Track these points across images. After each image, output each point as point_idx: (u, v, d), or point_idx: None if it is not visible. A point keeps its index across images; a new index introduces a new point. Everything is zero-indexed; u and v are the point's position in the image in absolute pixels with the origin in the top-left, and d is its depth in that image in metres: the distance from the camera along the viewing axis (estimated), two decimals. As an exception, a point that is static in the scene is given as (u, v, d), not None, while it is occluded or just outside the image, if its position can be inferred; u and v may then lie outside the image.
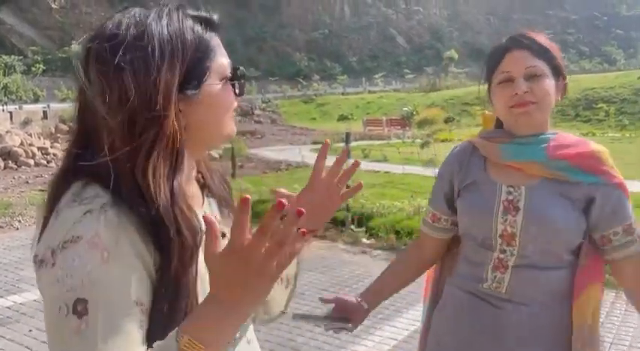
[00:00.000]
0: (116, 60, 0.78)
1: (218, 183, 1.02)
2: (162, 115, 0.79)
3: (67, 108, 24.38)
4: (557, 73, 1.41)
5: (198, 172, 0.98)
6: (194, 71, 0.85)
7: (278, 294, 1.12)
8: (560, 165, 1.35)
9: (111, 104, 0.79)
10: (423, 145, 8.19)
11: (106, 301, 0.73)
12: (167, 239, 0.78)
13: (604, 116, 29.55)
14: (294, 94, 46.13)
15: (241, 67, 0.96)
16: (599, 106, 30.59)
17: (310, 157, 15.07)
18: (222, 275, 0.71)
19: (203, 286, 0.84)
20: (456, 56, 64.57)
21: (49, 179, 0.90)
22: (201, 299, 0.80)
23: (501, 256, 1.38)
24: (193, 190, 0.95)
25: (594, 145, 1.40)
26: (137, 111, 0.79)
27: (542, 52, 1.38)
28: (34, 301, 4.34)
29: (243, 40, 72.84)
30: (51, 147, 14.41)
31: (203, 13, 0.91)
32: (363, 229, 6.70)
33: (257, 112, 34.09)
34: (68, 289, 0.73)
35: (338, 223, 7.10)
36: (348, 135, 7.21)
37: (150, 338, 0.77)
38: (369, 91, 47.25)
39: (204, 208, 0.96)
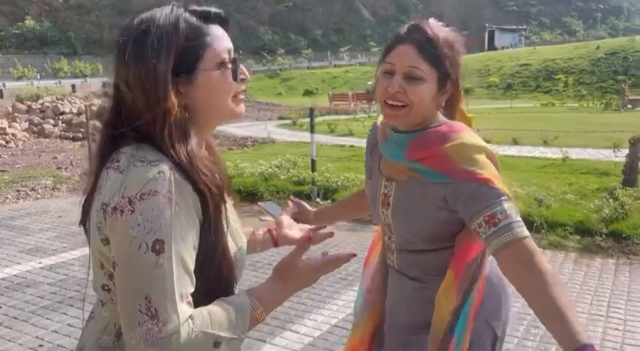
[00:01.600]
0: (129, 50, 0.97)
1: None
2: (162, 94, 0.96)
3: (23, 87, 23.65)
4: (444, 79, 1.33)
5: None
6: (185, 57, 0.99)
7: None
8: (415, 166, 1.36)
9: (130, 87, 0.97)
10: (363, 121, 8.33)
11: (177, 244, 0.91)
12: (201, 189, 0.97)
13: (563, 87, 30.29)
14: (258, 69, 45.63)
15: (239, 53, 1.08)
16: (559, 76, 31.30)
17: (276, 133, 15.13)
18: (293, 277, 1.11)
19: (232, 238, 1.08)
20: (421, 29, 64.60)
21: (10, 159, 1.06)
22: (232, 249, 1.05)
23: (387, 241, 1.53)
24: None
25: (450, 142, 1.32)
26: (146, 91, 0.96)
27: (433, 55, 1.30)
28: (2, 279, 4.39)
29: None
30: (9, 127, 14.04)
31: (202, 8, 1.04)
32: (329, 202, 6.86)
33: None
34: (148, 232, 0.89)
35: (304, 197, 7.26)
36: (312, 110, 7.31)
37: None
38: (335, 65, 47.12)
39: None
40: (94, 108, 15.41)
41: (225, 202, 1.02)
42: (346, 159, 9.46)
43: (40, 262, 4.81)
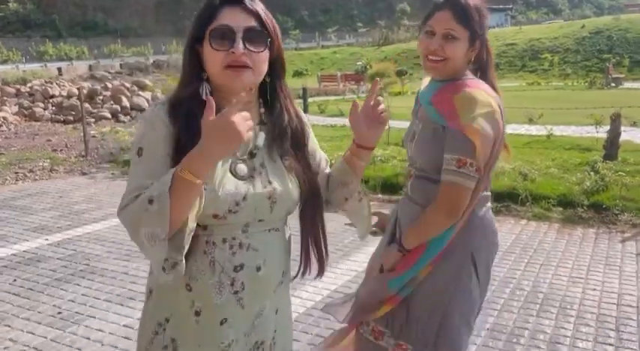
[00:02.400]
0: None
1: (278, 127, 1.36)
2: (185, 52, 1.34)
3: (9, 70, 23.38)
4: (474, 38, 1.68)
5: (266, 114, 1.39)
6: (199, 30, 1.28)
7: (356, 216, 1.59)
8: (430, 111, 1.72)
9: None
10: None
11: (150, 149, 1.25)
12: (183, 120, 1.26)
13: (548, 66, 30.54)
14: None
15: (224, 24, 1.25)
16: (544, 56, 31.51)
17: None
18: (208, 132, 1.09)
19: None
20: (409, 9, 64.36)
21: (5, 142, 1.35)
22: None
23: (409, 168, 1.88)
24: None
25: (461, 93, 1.66)
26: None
27: (465, 19, 1.64)
28: (13, 255, 4.57)
29: (192, -5, 70.35)
30: (0, 111, 14.02)
31: None
32: (323, 179, 7.08)
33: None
34: (137, 143, 1.27)
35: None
36: (304, 90, 7.48)
37: None
38: (323, 46, 46.94)
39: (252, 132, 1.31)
40: (84, 91, 15.43)
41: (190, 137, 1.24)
42: (338, 138, 9.65)
43: (47, 239, 4.99)
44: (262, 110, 1.37)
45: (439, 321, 1.74)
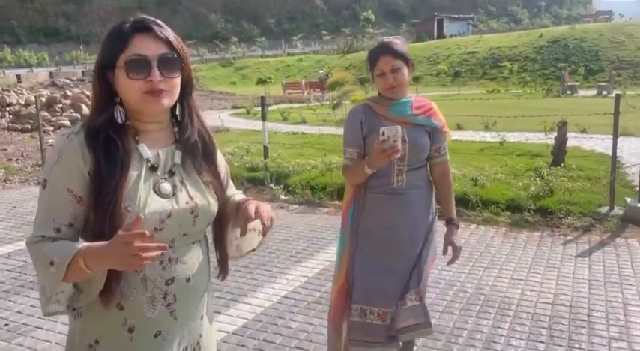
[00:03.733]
0: None
1: (191, 143, 1.41)
2: (93, 80, 1.36)
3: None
4: (408, 63, 2.34)
5: (179, 131, 1.41)
6: (109, 57, 1.30)
7: (250, 238, 1.54)
8: (418, 118, 2.39)
9: None
10: (334, 107, 8.68)
11: (55, 183, 1.28)
12: (101, 149, 1.28)
13: (508, 74, 31.35)
14: (212, 58, 45.16)
15: (139, 53, 1.28)
16: (504, 64, 32.36)
17: (230, 122, 15.27)
18: (114, 246, 1.13)
19: (126, 193, 1.27)
20: (373, 18, 65.20)
21: None
22: (123, 205, 1.26)
23: (398, 168, 2.36)
24: (159, 136, 1.39)
25: (431, 103, 2.46)
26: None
27: (400, 55, 2.31)
28: (-37, 268, 4.50)
29: (158, 1, 69.63)
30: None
31: (136, 19, 1.32)
32: (281, 186, 7.18)
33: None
34: (43, 172, 1.32)
35: (258, 182, 7.55)
36: (263, 99, 7.56)
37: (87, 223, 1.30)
38: (288, 54, 47.13)
39: (161, 150, 1.38)
40: (43, 99, 15.13)
41: (126, 163, 1.30)
42: (298, 146, 9.76)
43: (-2, 251, 4.94)
44: (176, 129, 1.42)
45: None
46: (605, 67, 28.31)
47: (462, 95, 21.85)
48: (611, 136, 9.72)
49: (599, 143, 9.71)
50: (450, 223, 2.50)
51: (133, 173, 1.30)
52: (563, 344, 3.19)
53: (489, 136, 10.78)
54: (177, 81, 1.34)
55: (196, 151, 1.42)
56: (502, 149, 9.24)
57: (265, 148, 7.52)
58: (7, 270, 4.45)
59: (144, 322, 1.33)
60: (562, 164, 7.17)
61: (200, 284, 1.43)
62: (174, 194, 1.34)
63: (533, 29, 45.74)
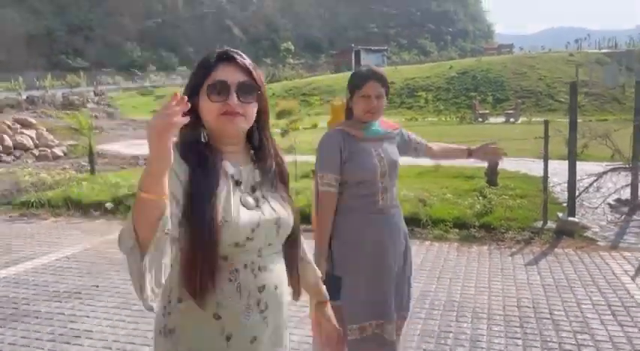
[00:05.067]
0: None
1: (269, 166, 1.53)
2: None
3: None
4: (388, 92, 2.50)
5: (256, 155, 1.53)
6: (195, 84, 1.44)
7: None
8: (387, 132, 2.60)
9: None
10: (283, 134, 8.97)
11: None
12: (194, 162, 1.38)
13: (424, 103, 33.12)
14: (129, 86, 44.10)
15: (220, 79, 1.41)
16: (419, 94, 34.16)
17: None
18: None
19: (219, 206, 1.37)
20: (293, 48, 66.61)
21: None
22: (220, 216, 1.35)
23: (382, 185, 2.47)
24: (238, 157, 1.49)
25: (394, 123, 2.73)
26: None
27: (385, 84, 2.47)
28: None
29: (68, 28, 67.12)
30: None
31: (221, 50, 1.47)
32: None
33: (91, 106, 31.50)
34: None
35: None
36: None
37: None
38: (210, 83, 46.90)
39: (243, 168, 1.48)
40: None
41: (215, 171, 1.40)
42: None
43: (-40, 286, 4.71)
44: (252, 152, 1.53)
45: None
46: (511, 96, 30.71)
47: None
48: (532, 159, 10.74)
49: (521, 165, 10.67)
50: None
51: (222, 186, 1.39)
52: (537, 339, 3.62)
53: (422, 162, 11.46)
54: (253, 106, 1.45)
55: (273, 174, 1.53)
56: (438, 172, 9.91)
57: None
58: (-20, 305, 4.29)
59: (241, 330, 1.40)
60: (497, 184, 7.86)
61: (284, 293, 1.52)
62: (257, 206, 1.45)
63: (443, 61, 48.69)
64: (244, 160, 1.51)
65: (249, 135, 1.52)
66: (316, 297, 1.78)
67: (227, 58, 1.44)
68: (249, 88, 1.43)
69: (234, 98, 1.40)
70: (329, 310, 1.78)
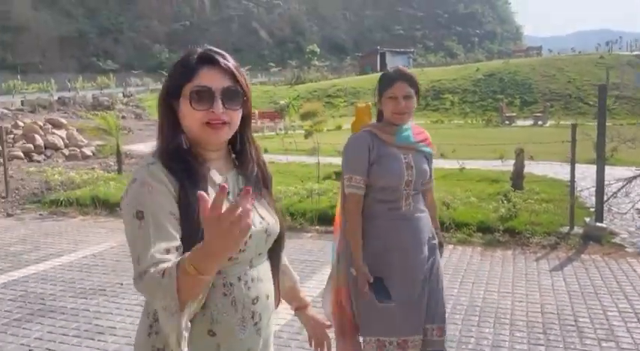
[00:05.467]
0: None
1: (251, 170, 1.45)
2: (161, 111, 1.38)
3: None
4: (417, 94, 2.42)
5: (239, 161, 1.46)
6: (175, 87, 1.34)
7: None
8: (420, 145, 2.50)
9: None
10: (306, 135, 8.99)
11: (152, 212, 1.23)
12: (182, 174, 1.29)
13: (450, 105, 32.80)
14: (157, 88, 44.67)
15: (203, 85, 1.31)
16: (445, 96, 33.85)
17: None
18: (208, 232, 1.04)
19: None
20: (318, 51, 66.78)
21: None
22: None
23: (405, 192, 2.43)
24: (220, 163, 1.42)
25: (426, 132, 2.58)
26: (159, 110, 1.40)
27: (414, 84, 2.39)
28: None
29: (99, 31, 68.55)
30: None
31: (202, 51, 1.35)
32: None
33: (119, 107, 32.13)
34: (134, 206, 1.25)
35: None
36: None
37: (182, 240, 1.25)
38: (236, 85, 47.26)
39: (228, 175, 1.41)
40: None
41: (201, 182, 1.30)
42: (267, 175, 9.95)
43: (-9, 282, 4.86)
44: (233, 156, 1.47)
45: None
46: (539, 98, 30.24)
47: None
48: (559, 163, 10.55)
49: (548, 169, 10.51)
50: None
51: (211, 196, 1.26)
52: (561, 346, 3.56)
53: (447, 164, 11.38)
54: (239, 113, 1.37)
55: (256, 180, 1.47)
56: (462, 175, 9.82)
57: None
58: (10, 300, 4.41)
59: (236, 344, 1.35)
60: (523, 188, 7.75)
61: (274, 301, 1.50)
62: None
63: (469, 63, 48.17)
64: (227, 166, 1.44)
65: (231, 138, 1.45)
66: (295, 302, 1.74)
67: (210, 61, 1.33)
68: (235, 94, 1.34)
69: (219, 106, 1.31)
70: (311, 312, 1.75)
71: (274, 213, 1.48)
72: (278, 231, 1.48)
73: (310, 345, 1.75)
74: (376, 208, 2.40)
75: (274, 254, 1.52)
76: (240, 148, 1.46)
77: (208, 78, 1.31)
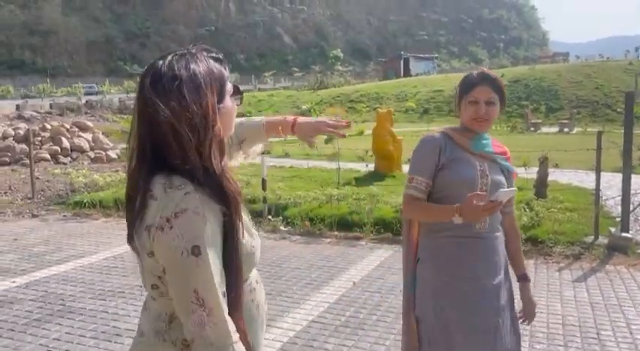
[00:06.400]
0: (181, 94, 1.17)
1: None
2: (214, 123, 1.20)
3: None
4: (502, 100, 2.16)
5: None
6: (220, 93, 1.26)
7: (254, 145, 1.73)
8: (498, 157, 2.18)
9: (180, 121, 1.16)
10: (327, 141, 9.00)
11: (210, 247, 1.13)
12: (226, 198, 1.19)
13: (474, 112, 32.57)
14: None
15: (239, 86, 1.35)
16: (470, 102, 33.61)
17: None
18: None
19: (249, 233, 1.29)
20: (342, 56, 66.85)
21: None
22: (250, 244, 1.27)
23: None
24: None
25: (506, 148, 2.26)
26: (198, 124, 1.17)
27: (499, 89, 2.14)
28: None
29: (125, 36, 69.75)
30: None
31: (216, 54, 1.31)
32: (280, 218, 7.36)
33: (145, 110, 32.46)
34: (187, 240, 1.11)
35: (256, 214, 7.70)
36: (262, 133, 7.76)
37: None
38: (260, 89, 47.74)
39: None
40: (21, 132, 14.99)
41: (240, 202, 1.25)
42: (288, 179, 9.99)
43: (14, 282, 4.95)
44: None
45: None
46: (565, 105, 29.80)
47: (433, 132, 22.60)
48: (584, 171, 10.35)
49: (573, 177, 10.31)
50: (524, 279, 2.28)
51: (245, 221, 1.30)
52: (582, 360, 3.46)
53: (469, 171, 11.26)
54: None
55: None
56: (485, 183, 9.69)
57: (264, 181, 7.72)
58: (31, 300, 4.48)
59: (260, 343, 1.39)
60: (546, 196, 7.61)
61: None
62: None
63: (494, 69, 47.72)
64: None
65: None
66: (279, 132, 1.73)
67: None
68: None
69: None
70: (300, 122, 1.74)
71: None
72: None
73: None
74: (441, 223, 2.10)
75: None
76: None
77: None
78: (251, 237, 1.30)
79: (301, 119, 1.73)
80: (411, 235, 2.24)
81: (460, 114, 2.20)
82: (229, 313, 1.16)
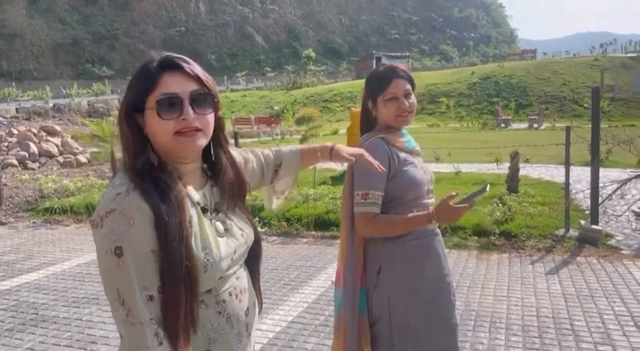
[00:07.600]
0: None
1: (227, 181, 1.37)
2: (123, 123, 1.23)
3: None
4: (414, 89, 2.12)
5: (209, 168, 1.38)
6: (136, 99, 1.22)
7: (273, 198, 1.76)
8: (420, 150, 2.20)
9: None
10: (302, 140, 8.99)
11: (133, 248, 1.13)
12: (156, 195, 1.17)
13: (445, 109, 32.89)
14: (153, 94, 44.61)
15: (169, 92, 1.20)
16: (441, 99, 33.93)
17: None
18: None
19: (198, 242, 1.21)
20: (314, 55, 66.87)
21: None
22: (196, 252, 1.19)
23: (429, 202, 2.12)
24: (197, 176, 1.33)
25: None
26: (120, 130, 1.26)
27: (410, 79, 2.09)
28: None
29: (93, 37, 68.46)
30: None
31: (160, 57, 1.25)
32: (256, 219, 7.32)
33: (115, 113, 31.94)
34: (112, 241, 1.13)
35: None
36: (236, 134, 7.73)
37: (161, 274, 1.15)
38: (232, 90, 47.42)
39: (205, 190, 1.34)
40: (-13, 137, 14.59)
41: (182, 204, 1.19)
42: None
43: (-17, 291, 4.82)
44: (205, 165, 1.37)
45: None
46: (534, 101, 30.33)
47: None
48: (554, 165, 10.56)
49: (543, 172, 10.52)
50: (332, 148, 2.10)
51: (194, 220, 1.24)
52: (556, 350, 3.53)
53: (442, 167, 11.37)
54: (211, 117, 1.28)
55: (232, 190, 1.39)
56: (458, 179, 9.81)
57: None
58: (2, 309, 4.37)
59: None
60: (518, 191, 7.75)
61: (258, 305, 1.47)
62: (227, 230, 1.34)
63: (465, 67, 48.33)
64: (201, 179, 1.36)
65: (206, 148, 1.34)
66: (317, 154, 1.71)
67: (171, 66, 1.23)
68: (204, 98, 1.24)
69: (189, 112, 1.21)
70: (339, 146, 1.73)
71: (249, 220, 1.44)
72: (253, 238, 1.44)
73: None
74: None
75: (252, 261, 1.46)
76: (215, 158, 1.36)
77: (173, 84, 1.21)
78: (207, 252, 1.23)
79: (339, 145, 1.73)
80: (357, 253, 2.09)
81: (378, 114, 2.12)
82: (166, 320, 1.15)
